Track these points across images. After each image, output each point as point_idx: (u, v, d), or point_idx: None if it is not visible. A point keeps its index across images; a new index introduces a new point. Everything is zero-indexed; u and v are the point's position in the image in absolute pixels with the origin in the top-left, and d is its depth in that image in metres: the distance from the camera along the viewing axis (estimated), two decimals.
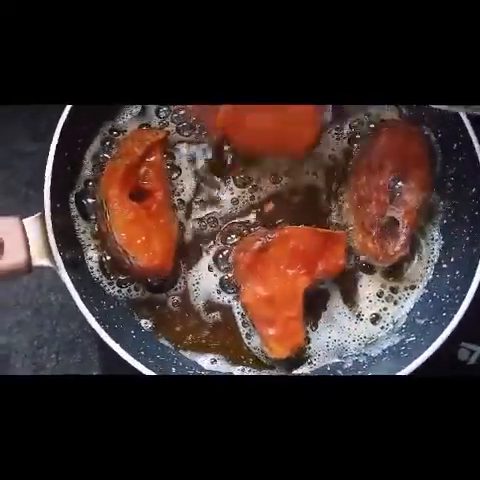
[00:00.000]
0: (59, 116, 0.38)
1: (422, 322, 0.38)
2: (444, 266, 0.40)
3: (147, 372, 0.34)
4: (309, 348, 0.39)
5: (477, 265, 0.36)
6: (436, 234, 0.42)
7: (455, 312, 0.35)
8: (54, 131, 0.38)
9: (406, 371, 0.34)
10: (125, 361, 0.34)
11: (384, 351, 0.39)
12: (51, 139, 0.38)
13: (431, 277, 0.41)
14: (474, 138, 0.39)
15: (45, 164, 0.37)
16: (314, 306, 0.40)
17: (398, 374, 0.34)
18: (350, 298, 0.40)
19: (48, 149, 0.37)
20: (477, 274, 0.36)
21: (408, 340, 0.38)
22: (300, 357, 0.39)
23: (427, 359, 0.35)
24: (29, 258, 0.34)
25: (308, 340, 0.39)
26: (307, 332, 0.39)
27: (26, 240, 0.35)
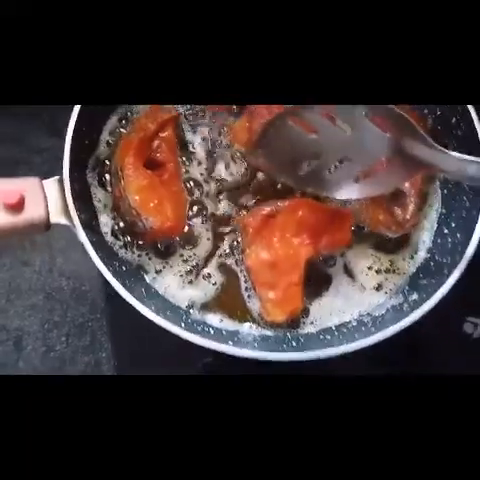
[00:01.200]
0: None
1: (424, 282, 0.39)
2: (445, 231, 0.42)
3: (157, 320, 0.35)
4: (310, 311, 0.40)
5: (477, 223, 0.38)
6: (437, 202, 0.43)
7: (455, 267, 0.36)
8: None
9: (406, 322, 0.35)
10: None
11: (387, 310, 0.40)
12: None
13: (432, 243, 0.42)
14: (473, 113, 0.41)
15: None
16: (318, 280, 0.41)
17: (399, 327, 0.35)
18: (353, 272, 0.42)
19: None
20: (477, 231, 0.37)
21: (411, 298, 0.39)
22: (297, 322, 0.40)
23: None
24: (47, 215, 0.37)
25: (308, 309, 0.41)
26: (310, 301, 0.41)
27: (45, 199, 0.37)
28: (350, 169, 0.39)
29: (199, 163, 0.44)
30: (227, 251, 0.42)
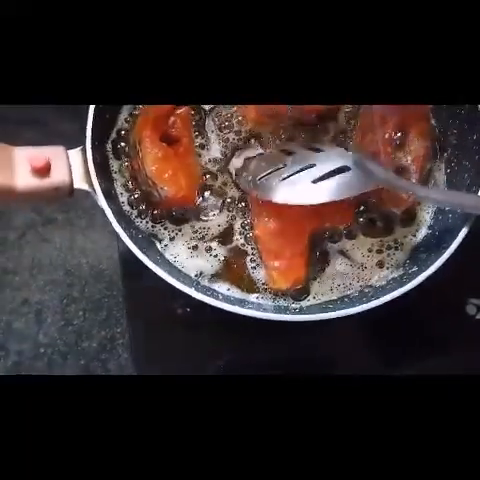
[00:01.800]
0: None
1: (424, 256, 0.41)
2: (447, 208, 0.43)
3: (171, 281, 0.37)
4: (313, 284, 0.42)
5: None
6: (441, 179, 0.45)
7: (453, 241, 0.38)
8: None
9: (405, 289, 0.37)
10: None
11: (388, 281, 0.41)
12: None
13: (433, 220, 0.44)
14: None
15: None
16: (320, 256, 0.43)
17: (398, 293, 0.37)
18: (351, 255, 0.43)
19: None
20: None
21: (411, 270, 0.41)
22: (301, 292, 0.42)
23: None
24: (71, 180, 0.39)
25: (309, 285, 0.42)
26: (312, 275, 0.42)
27: (69, 166, 0.40)
28: (311, 173, 0.40)
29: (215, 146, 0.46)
30: (238, 226, 0.44)
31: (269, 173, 0.41)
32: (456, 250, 0.38)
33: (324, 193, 0.39)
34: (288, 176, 0.40)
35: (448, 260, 0.38)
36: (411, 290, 0.38)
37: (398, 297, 0.38)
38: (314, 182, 0.40)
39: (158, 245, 0.44)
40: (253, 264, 0.43)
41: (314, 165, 0.40)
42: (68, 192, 0.40)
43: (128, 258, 0.39)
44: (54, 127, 0.64)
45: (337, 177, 0.40)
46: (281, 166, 0.41)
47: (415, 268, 0.40)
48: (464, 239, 0.38)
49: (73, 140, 0.42)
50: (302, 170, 0.40)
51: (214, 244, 0.44)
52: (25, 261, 0.60)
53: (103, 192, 0.40)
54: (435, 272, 0.38)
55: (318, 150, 0.42)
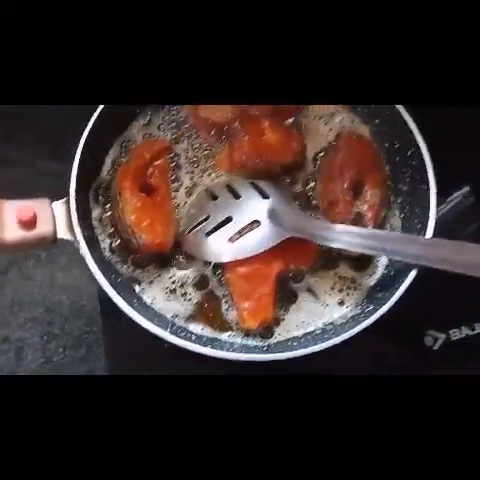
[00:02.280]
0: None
1: (380, 295, 0.45)
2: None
3: (146, 325, 0.41)
4: (280, 322, 0.46)
5: None
6: (397, 224, 0.50)
7: (406, 278, 0.42)
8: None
9: (360, 328, 0.41)
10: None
11: (347, 320, 0.45)
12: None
13: (389, 260, 0.48)
14: (422, 144, 0.47)
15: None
16: (286, 295, 0.47)
17: (356, 331, 0.41)
18: (316, 291, 0.47)
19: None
20: None
21: (367, 309, 0.44)
22: (270, 330, 0.46)
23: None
24: (55, 231, 0.43)
25: (278, 321, 0.46)
26: (278, 313, 0.46)
27: (54, 217, 0.43)
28: (228, 230, 0.45)
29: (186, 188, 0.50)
30: (212, 271, 0.47)
31: (196, 226, 0.47)
32: (413, 285, 0.42)
33: (239, 252, 0.45)
34: (210, 231, 0.46)
35: (405, 296, 0.42)
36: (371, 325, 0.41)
37: (358, 332, 0.41)
38: (230, 240, 0.45)
39: (137, 288, 0.47)
40: (226, 306, 0.47)
41: (231, 219, 0.46)
42: (52, 241, 0.43)
43: (107, 297, 0.42)
44: (40, 167, 0.67)
45: (250, 234, 0.45)
46: (205, 217, 0.46)
47: (371, 307, 0.44)
48: (421, 273, 0.42)
49: (58, 181, 0.45)
50: (221, 225, 0.46)
51: (190, 289, 0.47)
52: (6, 299, 0.61)
53: (85, 240, 0.43)
54: (395, 307, 0.42)
55: (237, 196, 0.47)
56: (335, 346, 0.41)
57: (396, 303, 0.43)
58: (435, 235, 0.45)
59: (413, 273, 0.42)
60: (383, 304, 0.42)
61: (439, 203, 0.47)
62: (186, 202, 0.49)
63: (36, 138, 0.64)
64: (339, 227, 0.44)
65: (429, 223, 0.45)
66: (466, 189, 0.59)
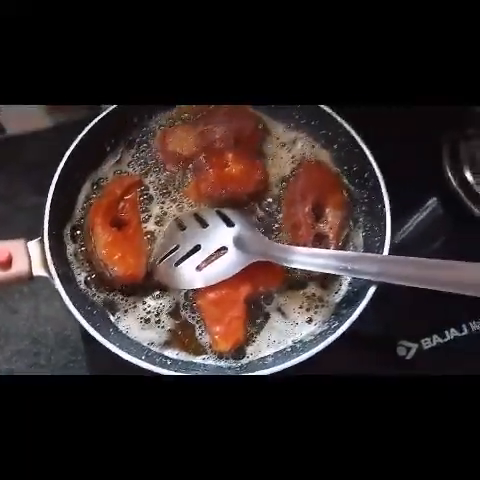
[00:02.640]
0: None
1: (345, 311, 0.47)
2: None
3: (120, 353, 0.43)
4: (252, 343, 0.48)
5: None
6: (359, 242, 0.52)
7: (366, 293, 0.44)
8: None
9: (326, 343, 0.43)
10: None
11: (316, 336, 0.47)
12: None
13: (352, 278, 0.50)
14: (375, 166, 0.50)
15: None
16: (257, 316, 0.49)
17: (322, 346, 0.43)
18: (285, 311, 0.49)
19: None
20: None
21: (333, 325, 0.47)
22: (242, 352, 0.47)
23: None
24: (31, 270, 0.45)
25: (250, 340, 0.48)
26: (250, 334, 0.48)
27: (29, 256, 0.45)
28: (197, 258, 0.47)
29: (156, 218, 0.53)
30: (184, 298, 0.49)
31: (166, 255, 0.49)
32: (379, 299, 0.44)
33: (209, 279, 0.47)
34: (180, 260, 0.48)
35: (371, 309, 0.44)
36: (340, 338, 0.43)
37: (328, 347, 0.43)
38: (198, 268, 0.47)
39: (112, 318, 0.49)
40: (200, 330, 0.49)
41: (199, 247, 0.48)
42: (28, 278, 0.45)
43: None
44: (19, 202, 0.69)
45: (218, 261, 0.47)
46: (174, 247, 0.49)
47: (337, 323, 0.46)
48: (387, 286, 0.44)
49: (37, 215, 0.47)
50: (190, 254, 0.48)
51: (164, 317, 0.49)
52: None
53: (60, 276, 0.46)
54: (362, 320, 0.44)
55: (205, 224, 0.49)
56: (305, 361, 0.43)
57: (363, 317, 0.45)
58: (400, 252, 0.46)
59: (373, 288, 0.45)
60: (347, 319, 0.44)
61: (404, 221, 0.49)
62: (158, 231, 0.52)
63: (18, 171, 0.67)
64: (300, 249, 0.46)
65: (386, 240, 0.48)
66: (433, 199, 0.62)
